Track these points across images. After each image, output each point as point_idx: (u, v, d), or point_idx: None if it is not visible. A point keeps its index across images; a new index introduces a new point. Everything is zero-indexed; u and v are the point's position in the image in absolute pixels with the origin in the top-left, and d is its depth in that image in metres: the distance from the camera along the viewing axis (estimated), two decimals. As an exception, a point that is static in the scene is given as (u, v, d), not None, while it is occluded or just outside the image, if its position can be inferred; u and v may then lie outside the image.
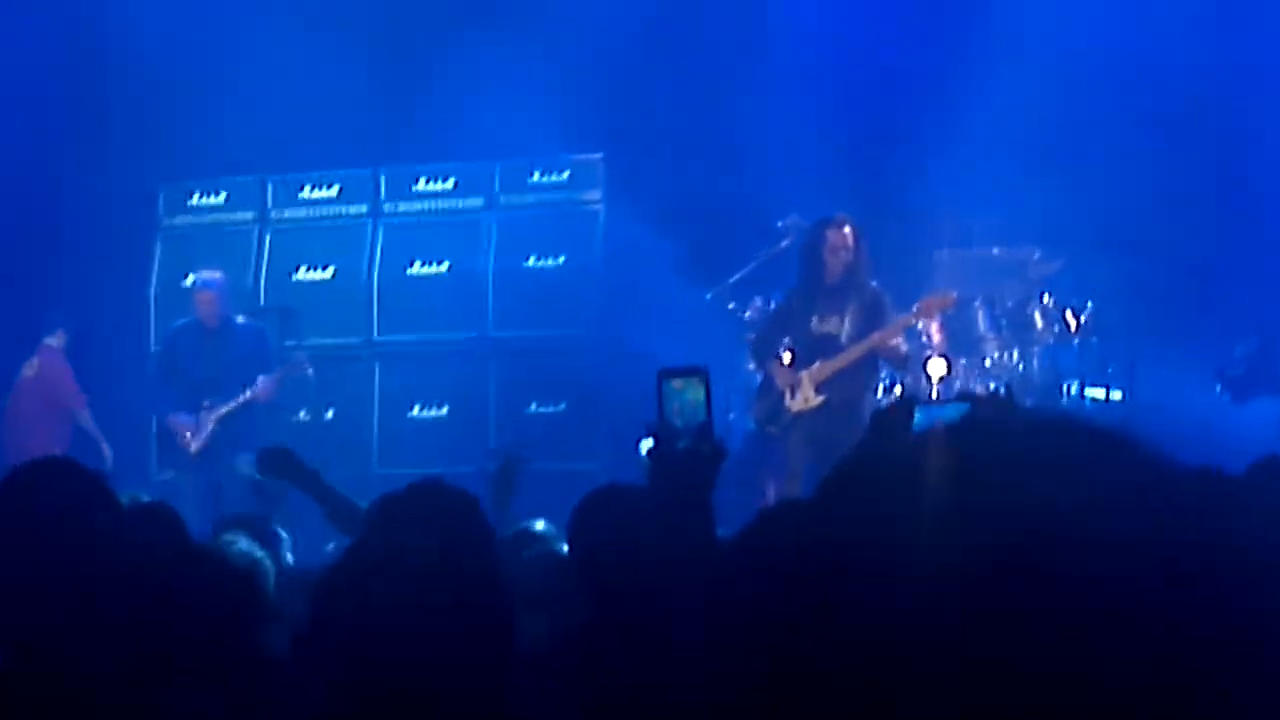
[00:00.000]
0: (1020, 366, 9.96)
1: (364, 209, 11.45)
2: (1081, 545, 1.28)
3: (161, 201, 11.70)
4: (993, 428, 1.40)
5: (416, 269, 11.20)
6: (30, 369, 10.93)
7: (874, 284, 9.05)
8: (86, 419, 10.83)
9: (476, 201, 11.29)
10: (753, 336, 9.63)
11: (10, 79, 11.46)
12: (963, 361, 9.87)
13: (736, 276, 10.27)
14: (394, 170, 11.44)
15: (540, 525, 4.73)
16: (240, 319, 10.41)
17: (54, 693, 2.77)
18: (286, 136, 11.27)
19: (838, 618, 1.31)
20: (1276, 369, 10.05)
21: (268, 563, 3.78)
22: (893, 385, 9.50)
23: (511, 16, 11.22)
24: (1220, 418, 9.76)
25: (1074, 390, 9.99)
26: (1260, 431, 9.00)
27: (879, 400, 9.21)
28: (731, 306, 10.28)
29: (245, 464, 8.55)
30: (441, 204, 11.35)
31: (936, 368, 9.60)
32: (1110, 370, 10.12)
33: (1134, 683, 1.26)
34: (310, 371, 10.42)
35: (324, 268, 11.33)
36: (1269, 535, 1.40)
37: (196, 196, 11.66)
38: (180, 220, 11.67)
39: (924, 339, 9.76)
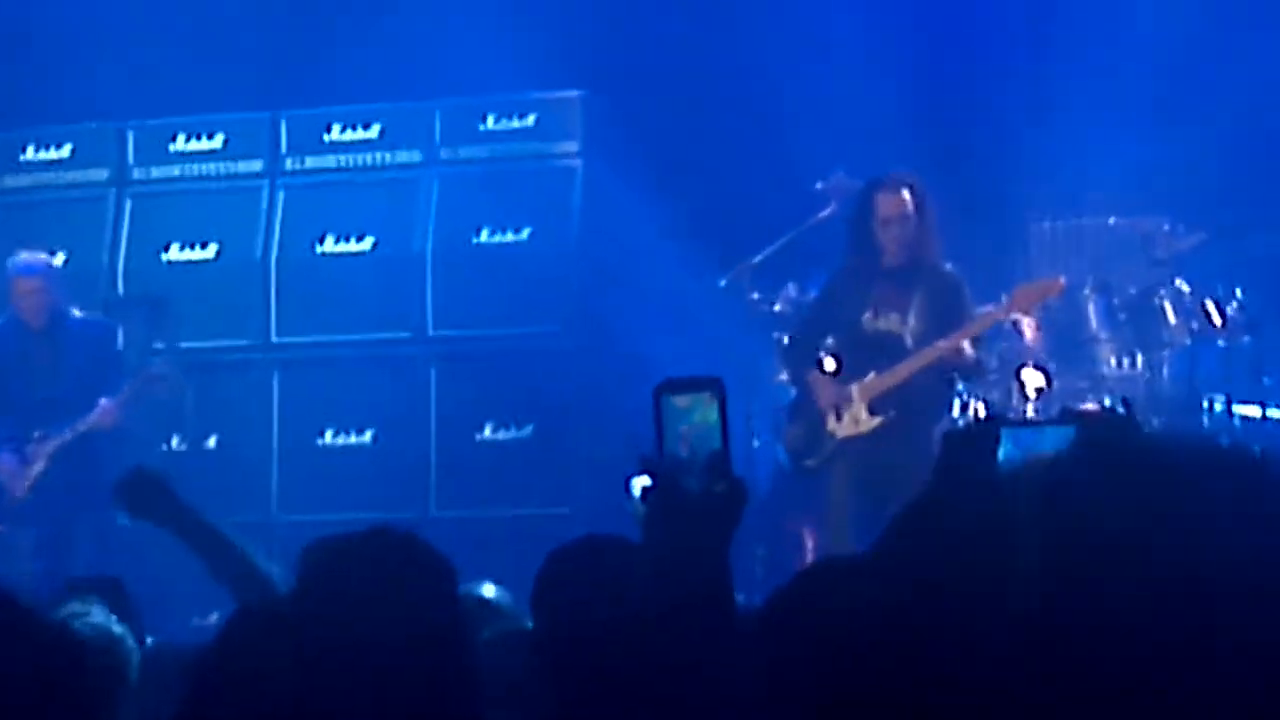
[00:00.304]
0: (1146, 376, 9.97)
1: (258, 166, 11.44)
2: (1231, 620, 1.29)
3: (-17, 157, 11.72)
4: (1108, 459, 1.41)
5: (329, 246, 11.19)
6: None
7: (948, 267, 9.06)
8: None
9: (410, 155, 11.29)
10: (784, 337, 9.64)
11: None
12: (1063, 369, 9.87)
13: (761, 256, 10.26)
14: (298, 114, 11.42)
15: (490, 591, 4.70)
16: (77, 313, 10.35)
17: None
18: (153, 69, 11.26)
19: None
20: None
21: (130, 641, 3.77)
22: (970, 402, 9.51)
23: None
24: None
25: (1218, 407, 10.00)
26: None
27: (954, 422, 9.22)
28: (755, 297, 10.27)
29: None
30: (363, 159, 11.35)
31: (1032, 378, 9.60)
32: (1267, 381, 10.13)
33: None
34: (181, 385, 10.38)
35: (204, 245, 11.32)
36: None
37: (31, 150, 11.64)
38: (9, 182, 11.66)
39: (1018, 339, 9.76)
